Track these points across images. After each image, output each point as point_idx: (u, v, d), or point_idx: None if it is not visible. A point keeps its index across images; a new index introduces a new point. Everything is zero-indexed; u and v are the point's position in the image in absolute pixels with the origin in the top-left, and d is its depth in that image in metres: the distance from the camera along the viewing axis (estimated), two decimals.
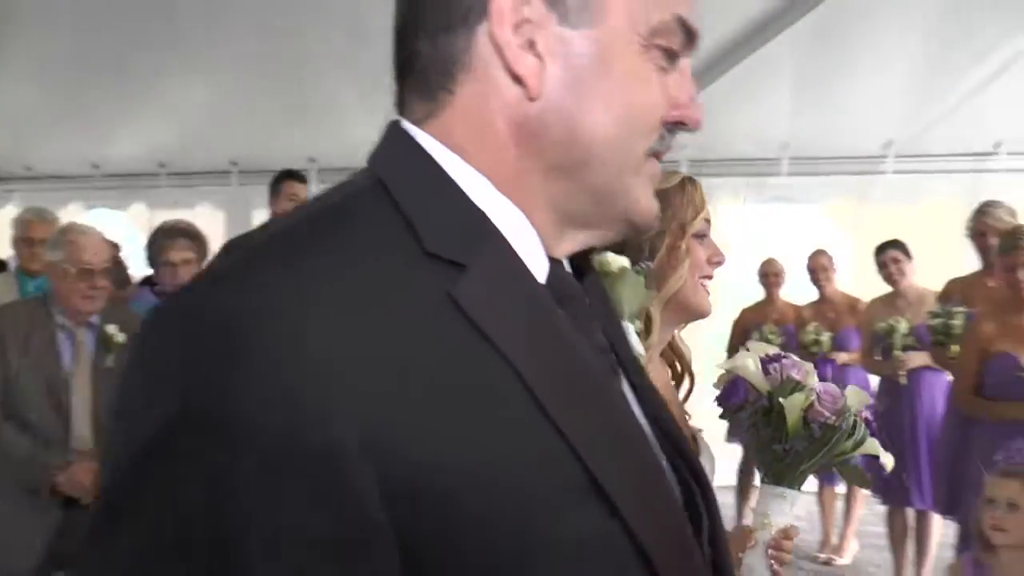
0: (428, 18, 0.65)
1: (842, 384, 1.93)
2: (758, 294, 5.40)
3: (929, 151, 5.49)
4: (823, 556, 5.09)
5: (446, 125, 0.65)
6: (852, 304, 5.06)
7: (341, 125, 5.18)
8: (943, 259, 4.61)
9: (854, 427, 1.59)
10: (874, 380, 4.59)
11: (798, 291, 5.35)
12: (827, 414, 1.53)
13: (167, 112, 5.73)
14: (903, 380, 4.32)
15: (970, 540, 2.94)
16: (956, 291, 4.12)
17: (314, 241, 0.59)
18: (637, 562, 0.61)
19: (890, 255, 4.49)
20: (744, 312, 5.46)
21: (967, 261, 4.24)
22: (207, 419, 0.52)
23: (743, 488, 5.25)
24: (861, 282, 5.03)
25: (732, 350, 5.04)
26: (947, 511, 3.88)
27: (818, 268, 5.07)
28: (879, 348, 4.44)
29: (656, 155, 0.70)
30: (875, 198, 5.78)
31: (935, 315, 4.01)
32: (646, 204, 0.71)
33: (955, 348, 3.80)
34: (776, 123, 5.43)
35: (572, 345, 0.65)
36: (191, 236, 3.45)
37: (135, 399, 0.57)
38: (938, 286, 4.27)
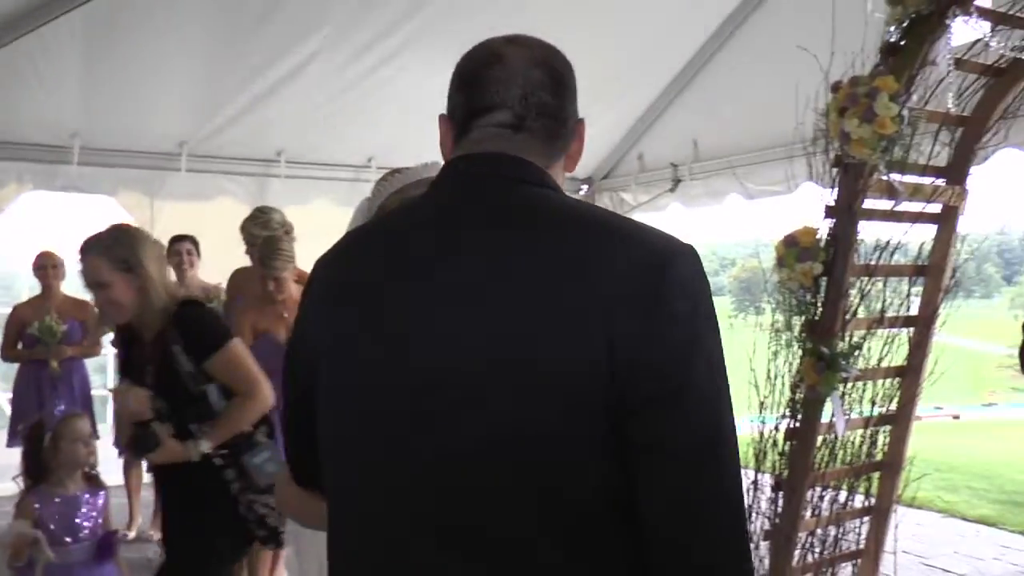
0: (569, 117, 1.19)
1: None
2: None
3: (220, 154, 5.95)
4: (132, 535, 5.46)
5: (551, 171, 1.17)
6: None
7: None
8: (230, 254, 4.99)
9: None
10: None
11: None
12: None
13: None
14: None
15: None
16: (238, 279, 4.81)
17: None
18: None
19: (184, 246, 5.22)
20: (18, 307, 5.41)
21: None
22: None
23: None
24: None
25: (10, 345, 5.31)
26: None
27: None
28: None
29: None
30: (169, 194, 5.90)
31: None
32: None
33: None
34: (66, 111, 5.19)
35: None
36: None
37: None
38: (225, 278, 5.02)
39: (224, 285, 5.10)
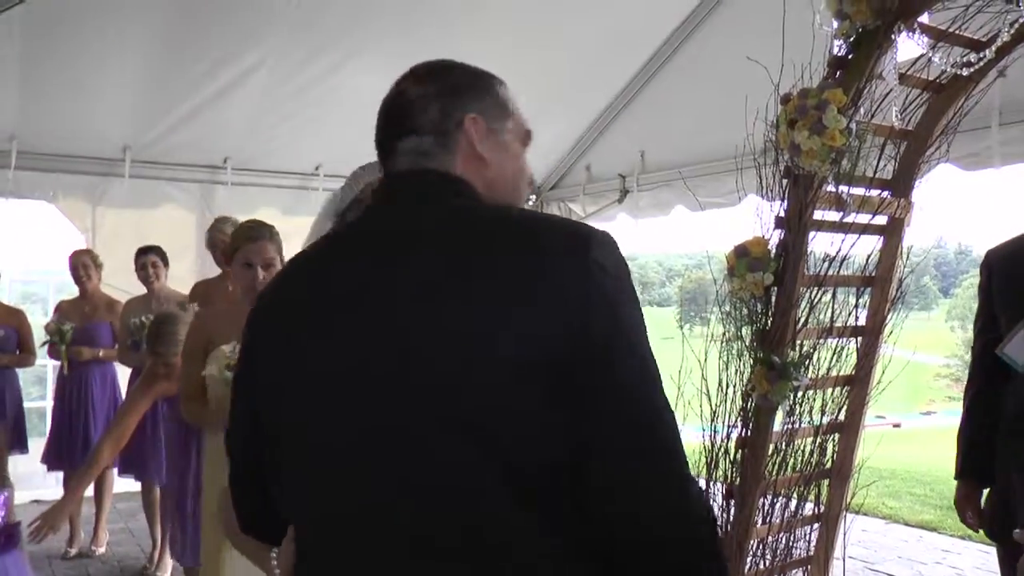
0: (453, 118, 1.25)
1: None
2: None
3: (165, 160, 5.88)
4: (73, 551, 5.37)
5: (460, 172, 1.24)
6: (110, 302, 5.36)
7: None
8: (175, 262, 5.30)
9: None
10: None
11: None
12: None
13: None
14: None
15: None
16: (200, 291, 4.80)
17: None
18: None
19: (150, 259, 5.09)
20: None
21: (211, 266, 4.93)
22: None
23: None
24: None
25: None
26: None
27: (79, 266, 5.24)
28: (131, 342, 4.92)
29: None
30: (112, 200, 5.80)
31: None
32: None
33: None
34: (3, 113, 5.10)
35: None
36: None
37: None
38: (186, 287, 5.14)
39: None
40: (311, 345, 1.18)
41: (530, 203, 7.20)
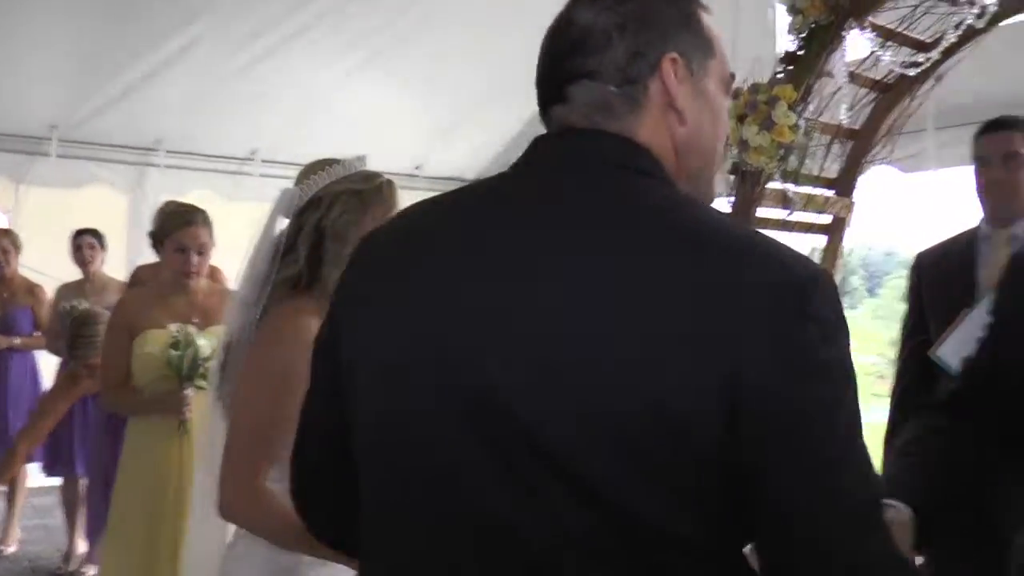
0: (639, 62, 0.98)
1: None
2: None
3: (93, 140, 5.66)
4: None
5: (642, 136, 0.97)
6: (30, 287, 5.09)
7: None
8: (112, 246, 5.13)
9: None
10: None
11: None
12: None
13: None
14: None
15: None
16: (145, 274, 4.44)
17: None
18: None
19: (86, 240, 4.92)
20: None
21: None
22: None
23: None
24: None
25: None
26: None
27: None
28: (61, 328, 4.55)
29: None
30: (36, 180, 5.59)
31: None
32: None
33: None
34: None
35: None
36: None
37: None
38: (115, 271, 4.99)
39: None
40: (389, 324, 0.97)
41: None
